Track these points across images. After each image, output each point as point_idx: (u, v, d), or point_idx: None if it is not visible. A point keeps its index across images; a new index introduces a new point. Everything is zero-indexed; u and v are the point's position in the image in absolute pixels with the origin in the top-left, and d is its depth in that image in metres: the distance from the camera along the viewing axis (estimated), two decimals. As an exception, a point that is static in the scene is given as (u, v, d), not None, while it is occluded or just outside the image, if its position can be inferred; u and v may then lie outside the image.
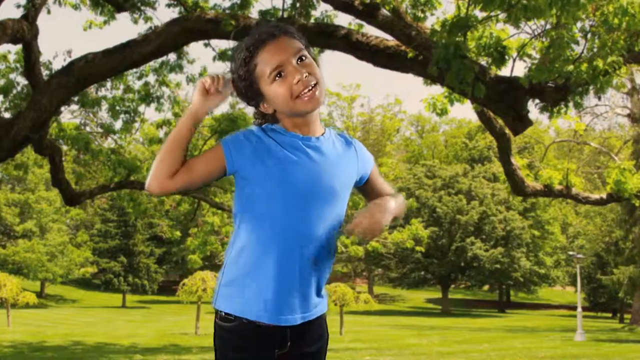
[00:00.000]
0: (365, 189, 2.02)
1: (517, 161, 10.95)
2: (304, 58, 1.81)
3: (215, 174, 1.81)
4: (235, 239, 1.85)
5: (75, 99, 11.06)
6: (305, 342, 1.85)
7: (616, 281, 30.90)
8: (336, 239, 1.87)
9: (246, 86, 1.84)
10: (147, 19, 9.53)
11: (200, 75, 11.82)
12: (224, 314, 1.83)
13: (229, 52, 9.85)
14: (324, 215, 1.82)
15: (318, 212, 1.81)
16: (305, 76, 1.78)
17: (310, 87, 1.78)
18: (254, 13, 8.86)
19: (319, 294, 1.87)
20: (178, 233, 24.15)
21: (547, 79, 7.26)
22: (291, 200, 1.78)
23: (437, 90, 9.45)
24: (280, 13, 8.34)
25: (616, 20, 6.52)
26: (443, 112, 9.48)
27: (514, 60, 7.61)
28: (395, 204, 1.92)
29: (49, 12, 9.37)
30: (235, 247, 1.84)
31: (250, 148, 1.79)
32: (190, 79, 11.64)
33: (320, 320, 1.90)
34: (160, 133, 13.79)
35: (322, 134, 1.88)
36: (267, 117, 1.88)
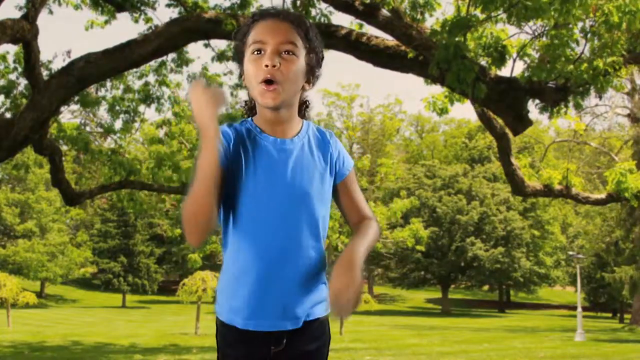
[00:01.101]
0: (338, 194, 1.89)
1: (520, 161, 10.96)
2: (289, 53, 1.75)
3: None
4: (223, 242, 1.84)
5: (75, 99, 11.06)
6: (302, 340, 1.81)
7: (619, 279, 30.90)
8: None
9: (238, 46, 1.83)
10: (148, 20, 9.53)
11: (201, 75, 11.81)
12: None
13: (228, 53, 9.86)
14: (300, 219, 1.77)
15: (292, 216, 1.76)
16: (274, 66, 1.72)
17: (273, 82, 1.72)
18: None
19: (310, 298, 1.80)
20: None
21: (546, 79, 7.27)
22: (263, 207, 1.75)
23: (438, 89, 9.45)
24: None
25: (616, 19, 6.51)
26: (443, 112, 9.48)
27: (514, 61, 7.62)
28: (363, 249, 1.76)
29: (50, 12, 9.38)
30: (223, 250, 1.84)
31: (228, 152, 1.76)
32: (192, 78, 11.63)
33: (321, 321, 1.85)
34: (160, 133, 13.80)
35: (298, 133, 1.83)
36: (252, 109, 1.86)
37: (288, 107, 1.80)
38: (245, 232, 1.76)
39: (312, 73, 1.84)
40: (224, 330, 1.82)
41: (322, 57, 1.87)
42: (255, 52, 1.76)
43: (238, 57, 1.85)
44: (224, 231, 1.83)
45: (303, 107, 1.89)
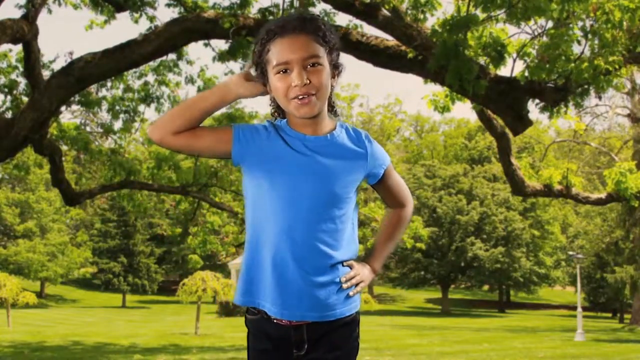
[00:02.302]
0: (379, 189, 2.01)
1: (522, 161, 10.95)
2: (314, 64, 1.78)
3: (218, 152, 1.86)
4: (246, 231, 1.89)
5: (76, 99, 11.06)
6: (322, 347, 1.83)
7: (619, 280, 30.90)
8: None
9: (257, 62, 1.86)
10: (152, 18, 9.50)
11: (199, 76, 11.80)
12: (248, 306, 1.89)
13: (227, 53, 9.85)
14: (324, 216, 1.81)
15: (317, 213, 1.80)
16: (305, 84, 1.76)
17: (307, 95, 1.77)
18: (253, 12, 8.85)
19: (330, 295, 1.82)
20: (178, 230, 24.09)
21: (546, 79, 7.27)
22: (290, 202, 1.79)
23: (438, 89, 9.43)
24: (280, 13, 8.33)
25: (617, 17, 6.51)
26: (445, 109, 9.43)
27: (514, 61, 7.62)
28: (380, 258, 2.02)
29: (49, 11, 9.36)
30: (245, 240, 1.88)
31: (258, 143, 1.82)
32: (190, 79, 11.63)
33: (345, 328, 1.86)
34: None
35: (331, 132, 1.87)
36: (280, 109, 1.90)
37: (320, 111, 1.85)
38: (262, 225, 1.81)
39: (335, 68, 1.88)
40: (254, 320, 1.87)
41: (339, 47, 1.90)
42: (281, 72, 1.79)
43: (260, 72, 1.87)
44: (247, 222, 1.87)
45: (330, 95, 1.91)
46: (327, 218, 1.81)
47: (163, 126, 1.80)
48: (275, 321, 1.82)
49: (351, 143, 1.89)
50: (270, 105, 1.94)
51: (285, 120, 1.88)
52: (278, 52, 1.79)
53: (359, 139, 1.90)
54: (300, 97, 1.77)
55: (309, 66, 1.78)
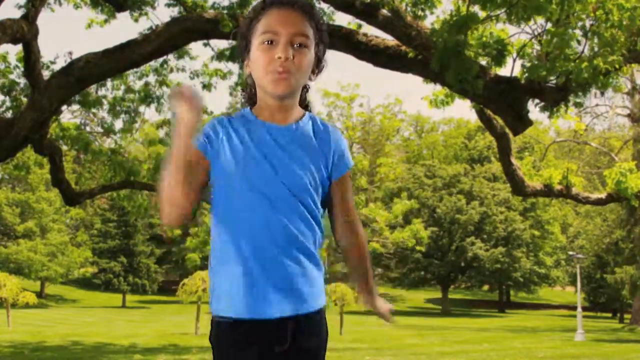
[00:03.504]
0: (331, 190, 1.85)
1: (524, 161, 10.96)
2: (301, 45, 1.74)
3: (207, 178, 1.78)
4: (212, 235, 1.80)
5: (76, 98, 11.06)
6: (303, 337, 1.78)
7: (619, 280, 30.92)
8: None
9: (243, 33, 1.81)
10: (144, 14, 9.49)
11: (203, 71, 11.76)
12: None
13: (227, 53, 9.86)
14: (293, 209, 1.74)
15: (285, 206, 1.73)
16: (288, 58, 1.71)
17: (287, 71, 1.71)
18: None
19: (305, 287, 1.76)
20: (178, 231, 24.14)
21: (546, 77, 7.27)
22: (255, 193, 1.72)
23: (438, 88, 9.44)
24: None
25: (616, 16, 6.52)
26: (445, 103, 9.43)
27: (514, 61, 7.62)
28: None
29: (51, 10, 9.37)
30: (212, 244, 1.80)
31: (217, 144, 1.75)
32: (195, 74, 11.59)
33: (319, 316, 1.82)
34: (161, 133, 13.80)
35: (298, 121, 1.81)
36: (252, 98, 1.84)
37: (293, 96, 1.79)
38: (237, 220, 1.73)
39: (318, 64, 1.83)
40: (226, 325, 1.79)
41: (327, 44, 1.85)
42: (267, 42, 1.73)
43: (243, 43, 1.81)
44: (214, 221, 1.79)
45: (303, 92, 1.86)
46: (300, 212, 1.74)
47: (171, 213, 1.69)
48: (248, 320, 1.74)
49: (316, 134, 1.82)
50: (241, 94, 1.88)
51: (248, 109, 1.82)
52: (269, 22, 1.74)
53: (326, 131, 1.84)
54: (281, 71, 1.71)
55: (296, 45, 1.73)
